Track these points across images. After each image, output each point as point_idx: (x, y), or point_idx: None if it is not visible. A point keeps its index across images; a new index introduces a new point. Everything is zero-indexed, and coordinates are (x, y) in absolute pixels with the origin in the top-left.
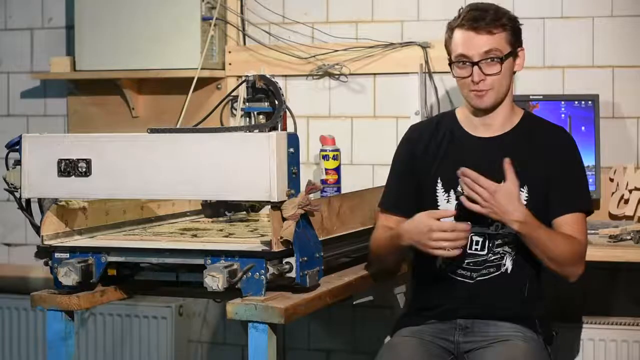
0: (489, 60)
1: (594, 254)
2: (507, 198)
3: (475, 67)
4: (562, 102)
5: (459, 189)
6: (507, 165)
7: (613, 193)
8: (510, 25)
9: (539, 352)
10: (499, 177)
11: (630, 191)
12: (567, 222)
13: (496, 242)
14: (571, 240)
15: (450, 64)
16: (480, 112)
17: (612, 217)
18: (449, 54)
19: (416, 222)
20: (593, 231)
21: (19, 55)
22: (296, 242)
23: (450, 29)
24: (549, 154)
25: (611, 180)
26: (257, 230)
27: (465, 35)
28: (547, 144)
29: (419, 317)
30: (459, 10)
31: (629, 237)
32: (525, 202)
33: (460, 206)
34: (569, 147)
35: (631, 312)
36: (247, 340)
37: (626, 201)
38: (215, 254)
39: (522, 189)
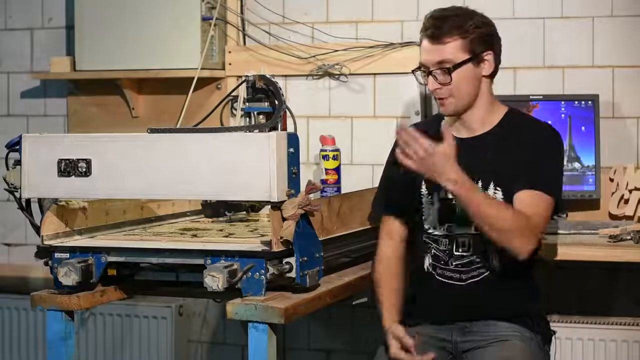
0: (441, 70)
1: (594, 254)
2: (444, 159)
3: (430, 77)
4: (562, 102)
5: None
6: (446, 129)
7: (613, 193)
8: (472, 32)
9: (537, 351)
10: (476, 177)
11: (630, 191)
12: (522, 198)
13: (480, 242)
14: (515, 212)
15: (414, 71)
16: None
17: (612, 217)
18: None
19: (389, 338)
20: (593, 231)
21: (19, 55)
22: (296, 242)
23: (420, 35)
24: (525, 150)
25: (611, 180)
26: (257, 230)
27: (423, 44)
28: (527, 140)
29: (417, 318)
30: (425, 16)
31: (629, 237)
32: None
33: (441, 209)
34: (547, 140)
35: (631, 312)
36: (247, 340)
37: (626, 201)
38: (215, 254)
39: (497, 189)
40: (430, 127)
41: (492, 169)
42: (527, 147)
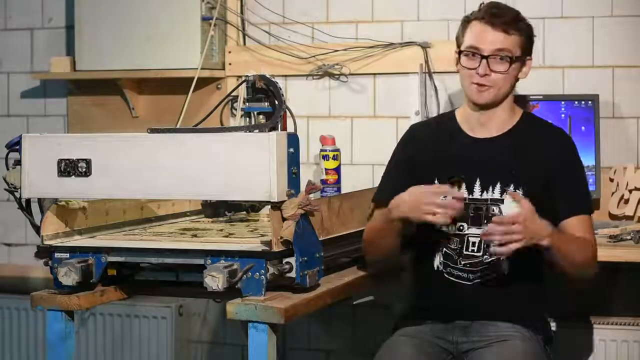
0: (499, 57)
1: None
2: (533, 221)
3: (484, 61)
4: (562, 102)
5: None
6: (512, 194)
7: (613, 193)
8: (526, 32)
9: (538, 352)
10: (495, 178)
11: (630, 191)
12: (575, 225)
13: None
14: (586, 243)
15: (458, 53)
16: (477, 107)
17: (612, 217)
18: (459, 44)
19: (409, 190)
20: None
21: (19, 55)
22: (296, 242)
23: (467, 20)
24: (547, 154)
25: (611, 180)
26: (257, 230)
27: (481, 28)
28: (546, 144)
29: (418, 318)
30: (480, 4)
31: (629, 237)
32: None
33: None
34: (567, 148)
35: (631, 312)
36: (247, 340)
37: (626, 201)
38: (215, 254)
39: (518, 190)
40: (442, 127)
41: (512, 171)
42: (552, 157)
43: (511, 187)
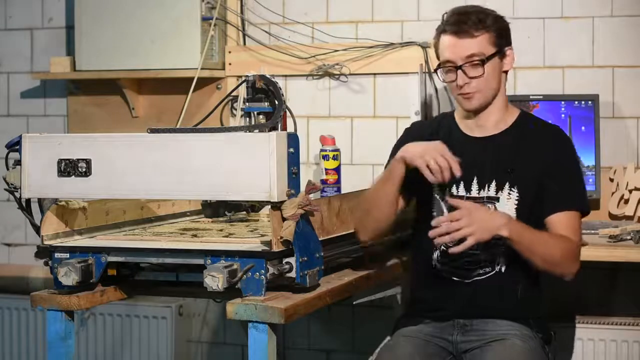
0: (471, 64)
1: (594, 254)
2: (481, 210)
3: (459, 71)
4: (562, 102)
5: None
6: (450, 200)
7: (613, 193)
8: (495, 26)
9: (537, 351)
10: (490, 176)
11: (630, 191)
12: (559, 221)
13: (490, 242)
14: (561, 239)
15: (436, 69)
16: (471, 113)
17: (612, 217)
18: (438, 58)
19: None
20: (593, 231)
21: (19, 55)
22: (296, 242)
23: (438, 33)
24: (542, 153)
25: (611, 180)
26: (257, 230)
27: (449, 41)
28: (541, 143)
29: (417, 317)
30: (443, 15)
31: (629, 237)
32: (516, 203)
33: (452, 205)
34: (563, 146)
35: (631, 312)
36: (247, 340)
37: (626, 201)
38: (215, 254)
39: (512, 189)
40: (442, 126)
41: (508, 169)
42: (547, 156)
43: (506, 185)
